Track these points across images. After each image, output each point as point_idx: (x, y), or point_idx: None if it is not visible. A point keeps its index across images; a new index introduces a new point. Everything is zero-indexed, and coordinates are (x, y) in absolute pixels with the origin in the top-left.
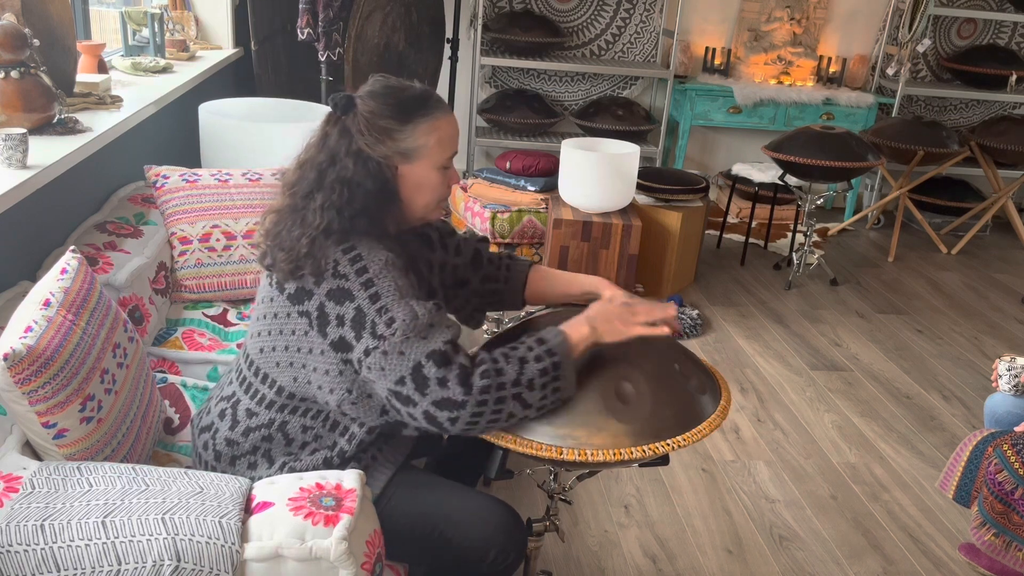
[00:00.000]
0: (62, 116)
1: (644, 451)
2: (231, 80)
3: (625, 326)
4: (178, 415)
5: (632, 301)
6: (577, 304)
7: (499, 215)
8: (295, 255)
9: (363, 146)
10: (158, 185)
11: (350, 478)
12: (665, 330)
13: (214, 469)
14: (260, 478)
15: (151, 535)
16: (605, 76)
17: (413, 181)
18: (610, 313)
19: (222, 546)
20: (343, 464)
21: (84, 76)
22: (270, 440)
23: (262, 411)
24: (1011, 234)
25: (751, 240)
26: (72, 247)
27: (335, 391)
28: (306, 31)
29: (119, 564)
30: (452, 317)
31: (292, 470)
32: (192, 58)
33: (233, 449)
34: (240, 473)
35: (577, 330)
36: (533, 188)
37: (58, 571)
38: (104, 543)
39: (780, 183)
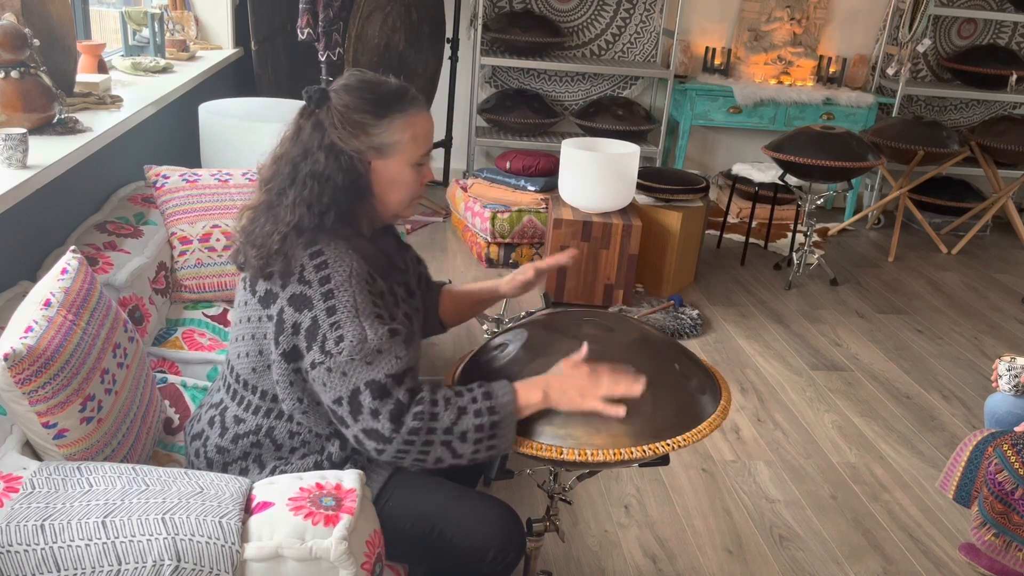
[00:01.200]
0: (62, 116)
1: (644, 451)
2: (231, 80)
3: (583, 399)
4: (178, 415)
5: (600, 369)
6: (577, 305)
7: (499, 215)
8: (266, 252)
9: (336, 140)
10: (158, 185)
11: (350, 478)
12: (621, 412)
13: None
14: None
15: (151, 535)
16: (605, 76)
17: (387, 177)
18: (569, 384)
19: (222, 546)
20: (333, 468)
21: (84, 76)
22: (259, 446)
23: (249, 417)
24: (1011, 234)
25: (751, 240)
26: (72, 247)
27: (287, 400)
28: (306, 31)
29: (119, 564)
30: (401, 345)
31: (283, 473)
32: (192, 58)
33: (224, 456)
34: None
35: (529, 393)
36: (533, 188)
37: (58, 571)
38: (104, 543)
39: (780, 183)
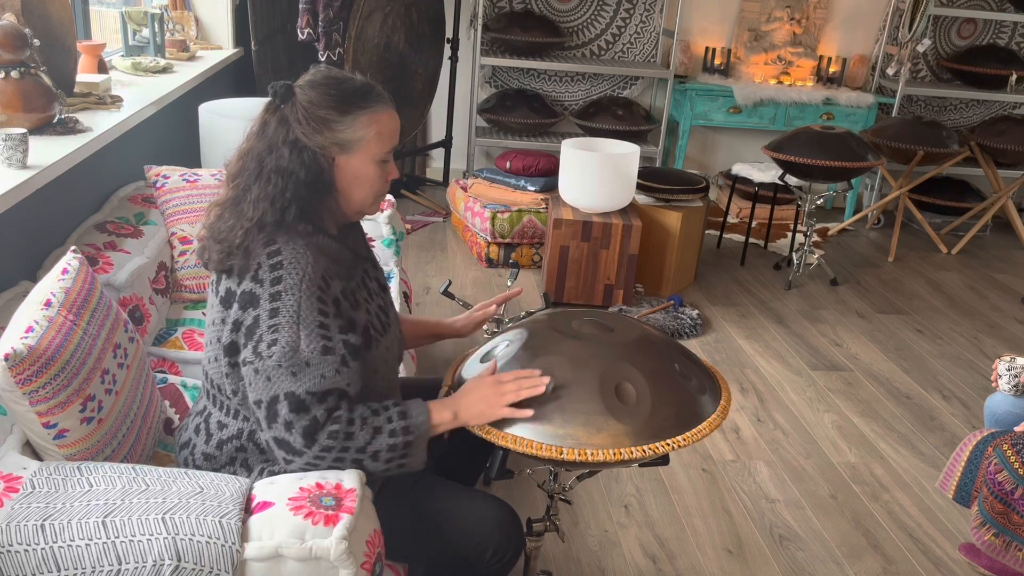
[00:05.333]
0: (62, 116)
1: (644, 451)
2: (231, 80)
3: (490, 408)
4: (178, 415)
5: (504, 378)
6: (577, 305)
7: (499, 215)
8: (228, 246)
9: (300, 135)
10: (158, 185)
11: (350, 478)
12: (528, 413)
13: None
14: None
15: (151, 535)
16: (605, 76)
17: (350, 173)
18: (475, 399)
19: (222, 546)
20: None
21: (84, 76)
22: (244, 450)
23: (231, 421)
24: (1011, 234)
25: (751, 240)
26: (72, 247)
27: (227, 390)
28: (306, 31)
29: (119, 564)
30: (331, 365)
31: (272, 474)
32: (192, 58)
33: (212, 463)
34: None
35: (440, 414)
36: (533, 188)
37: (58, 571)
38: (104, 543)
39: (780, 183)
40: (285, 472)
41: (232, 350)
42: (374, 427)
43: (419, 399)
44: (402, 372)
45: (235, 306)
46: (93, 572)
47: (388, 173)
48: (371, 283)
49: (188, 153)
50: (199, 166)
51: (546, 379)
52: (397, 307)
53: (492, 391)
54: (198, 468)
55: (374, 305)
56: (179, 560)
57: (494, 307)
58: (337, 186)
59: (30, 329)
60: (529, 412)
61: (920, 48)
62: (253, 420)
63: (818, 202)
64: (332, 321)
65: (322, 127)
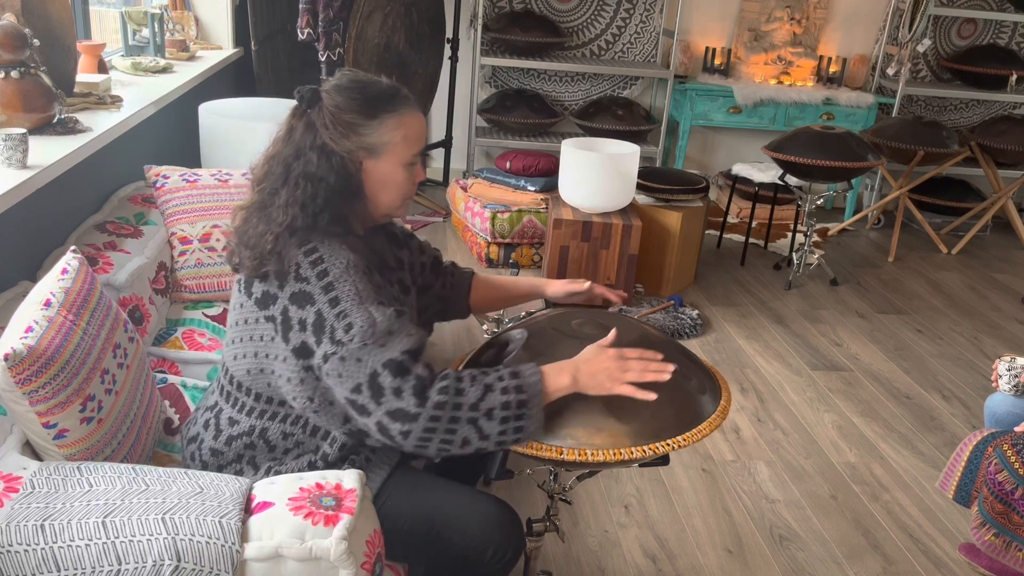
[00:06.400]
0: (62, 116)
1: (644, 451)
2: (231, 80)
3: (612, 381)
4: (178, 415)
5: (628, 353)
6: (576, 304)
7: (499, 215)
8: (259, 252)
9: (327, 140)
10: (158, 185)
11: (350, 478)
12: (652, 396)
13: None
14: None
15: (151, 535)
16: (605, 76)
17: (378, 177)
18: (598, 368)
19: (222, 546)
20: (328, 468)
21: (84, 76)
22: (253, 448)
23: (243, 419)
24: (1011, 234)
25: (751, 240)
26: (72, 247)
27: (298, 399)
28: (306, 31)
29: (119, 564)
30: (409, 324)
31: (278, 474)
32: (192, 58)
33: (218, 459)
34: None
35: (558, 377)
36: (533, 188)
37: (58, 571)
38: (104, 543)
39: (780, 183)
40: (400, 448)
41: (303, 352)
42: (484, 384)
43: (531, 363)
44: None
45: (291, 307)
46: (93, 572)
47: (415, 176)
48: (393, 287)
49: (188, 153)
50: (199, 166)
51: (671, 367)
52: None
53: (615, 364)
54: (204, 463)
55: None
56: (179, 560)
57: (588, 284)
58: (365, 190)
59: (30, 329)
60: (652, 395)
61: (920, 48)
62: (355, 411)
63: (818, 202)
64: (384, 299)
65: (349, 131)
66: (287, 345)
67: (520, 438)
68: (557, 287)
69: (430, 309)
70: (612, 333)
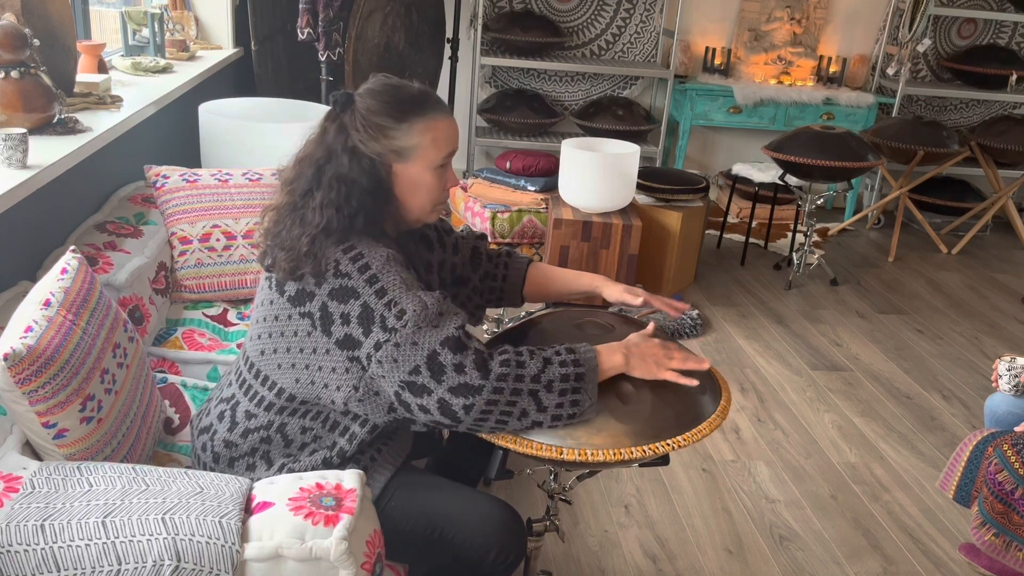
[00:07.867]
0: (62, 116)
1: (644, 451)
2: (231, 80)
3: (658, 367)
4: (178, 415)
5: (669, 344)
6: (576, 304)
7: (499, 215)
8: (295, 254)
9: (358, 143)
10: (158, 185)
11: (350, 478)
12: (694, 382)
13: (212, 471)
14: (259, 479)
15: (151, 535)
16: (605, 76)
17: (408, 181)
18: (647, 351)
19: (222, 546)
20: (343, 464)
21: (84, 76)
22: (268, 442)
23: (261, 413)
24: (1011, 234)
25: (751, 240)
26: (72, 247)
27: (342, 388)
28: (306, 31)
29: (119, 564)
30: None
31: (291, 471)
32: (192, 58)
33: (231, 451)
34: (238, 475)
35: (610, 356)
36: (533, 188)
37: (58, 571)
38: (104, 543)
39: (780, 183)
40: (459, 425)
41: (348, 343)
42: (543, 357)
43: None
44: None
45: (331, 303)
46: (93, 572)
47: (447, 181)
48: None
49: (188, 153)
50: (199, 166)
51: (707, 359)
52: None
53: (660, 351)
54: (216, 455)
55: None
56: (179, 560)
57: (643, 299)
58: (396, 194)
59: (29, 329)
60: (695, 381)
61: (920, 48)
62: (412, 393)
63: (818, 202)
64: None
65: (379, 134)
66: (330, 339)
67: (575, 412)
68: (616, 293)
69: (472, 301)
70: (651, 325)
